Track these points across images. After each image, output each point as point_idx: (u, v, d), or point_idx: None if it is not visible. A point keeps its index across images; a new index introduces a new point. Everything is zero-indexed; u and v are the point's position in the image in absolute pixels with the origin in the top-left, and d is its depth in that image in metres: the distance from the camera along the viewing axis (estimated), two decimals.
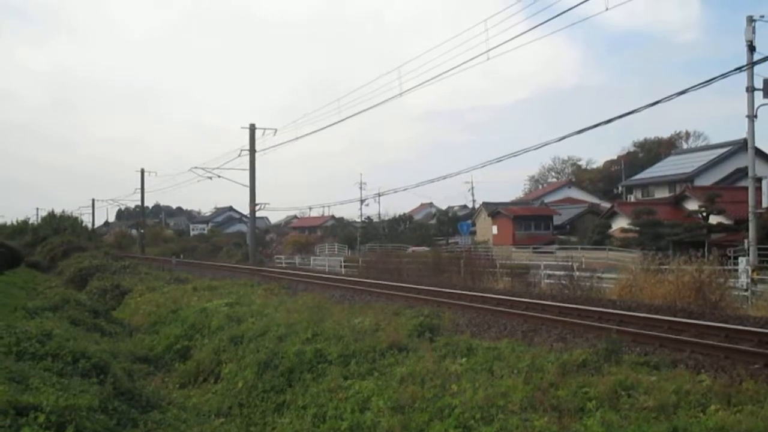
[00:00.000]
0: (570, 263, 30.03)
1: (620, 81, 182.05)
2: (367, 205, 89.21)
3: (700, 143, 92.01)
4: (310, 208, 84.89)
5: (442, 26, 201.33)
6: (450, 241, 70.42)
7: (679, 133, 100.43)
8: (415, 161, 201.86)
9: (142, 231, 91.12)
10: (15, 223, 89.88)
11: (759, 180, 38.18)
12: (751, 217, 31.20)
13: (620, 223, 55.31)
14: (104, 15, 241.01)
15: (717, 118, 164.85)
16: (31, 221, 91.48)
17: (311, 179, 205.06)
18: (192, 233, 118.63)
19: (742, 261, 26.55)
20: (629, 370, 10.00)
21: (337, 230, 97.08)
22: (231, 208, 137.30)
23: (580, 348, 11.69)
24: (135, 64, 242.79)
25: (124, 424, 10.88)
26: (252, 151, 50.69)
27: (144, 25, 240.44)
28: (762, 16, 30.70)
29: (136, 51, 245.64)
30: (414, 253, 52.50)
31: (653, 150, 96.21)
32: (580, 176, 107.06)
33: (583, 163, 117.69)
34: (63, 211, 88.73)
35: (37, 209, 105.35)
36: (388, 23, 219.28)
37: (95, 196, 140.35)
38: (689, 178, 60.72)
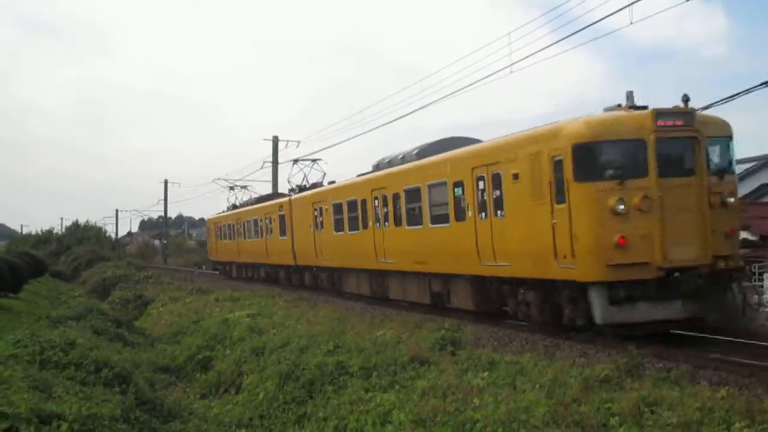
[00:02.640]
0: None
1: (646, 95, 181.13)
2: None
3: None
4: None
5: (465, 39, 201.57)
6: None
7: None
8: None
9: (164, 241, 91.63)
10: (39, 232, 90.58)
11: None
12: None
13: None
14: (132, 31, 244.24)
15: (742, 132, 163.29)
16: (55, 231, 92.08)
17: None
18: None
19: (767, 278, 26.18)
20: (651, 386, 9.86)
21: None
22: None
23: (602, 363, 11.58)
24: (165, 77, 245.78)
25: None
26: (275, 162, 50.82)
27: (171, 40, 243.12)
28: None
29: (167, 64, 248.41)
30: None
31: None
32: None
33: None
34: (87, 221, 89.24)
35: (62, 219, 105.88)
36: (411, 38, 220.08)
37: (119, 207, 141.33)
38: None
